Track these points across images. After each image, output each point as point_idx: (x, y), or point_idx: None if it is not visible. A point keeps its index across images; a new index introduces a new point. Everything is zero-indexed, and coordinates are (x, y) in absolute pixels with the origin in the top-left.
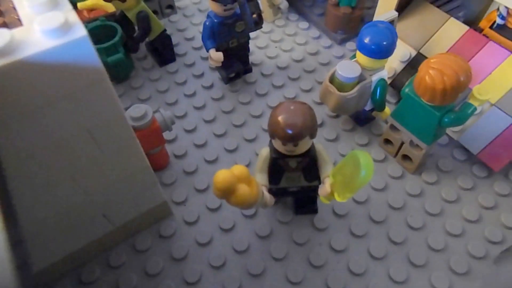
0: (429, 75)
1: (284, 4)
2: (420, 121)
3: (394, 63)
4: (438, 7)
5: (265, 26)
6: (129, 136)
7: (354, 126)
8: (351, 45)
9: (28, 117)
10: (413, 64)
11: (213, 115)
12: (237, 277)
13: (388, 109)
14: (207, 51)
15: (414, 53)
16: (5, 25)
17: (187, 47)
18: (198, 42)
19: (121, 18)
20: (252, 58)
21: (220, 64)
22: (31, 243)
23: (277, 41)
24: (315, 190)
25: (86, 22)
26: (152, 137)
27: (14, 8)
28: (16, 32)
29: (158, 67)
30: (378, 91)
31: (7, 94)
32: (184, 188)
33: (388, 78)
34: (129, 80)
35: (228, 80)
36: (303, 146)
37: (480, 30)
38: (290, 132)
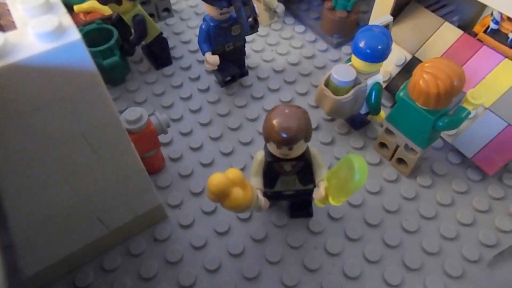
0: (423, 79)
1: (280, 8)
2: (415, 125)
3: (389, 67)
4: (432, 11)
5: (261, 30)
6: (123, 140)
7: (350, 129)
8: (346, 48)
9: (22, 120)
10: (408, 68)
11: (209, 118)
12: (232, 281)
13: (383, 113)
14: (203, 55)
15: (409, 57)
16: None
17: (184, 50)
18: (195, 45)
19: (118, 21)
20: (248, 62)
21: (216, 68)
22: (24, 246)
23: (273, 45)
24: (310, 193)
25: (83, 25)
26: (147, 140)
27: (9, 11)
28: (10, 35)
29: (154, 70)
30: (373, 94)
31: (0, 97)
32: (179, 192)
33: (384, 81)
34: (125, 83)
35: (224, 83)
36: (298, 149)
37: (474, 35)
38: (284, 135)
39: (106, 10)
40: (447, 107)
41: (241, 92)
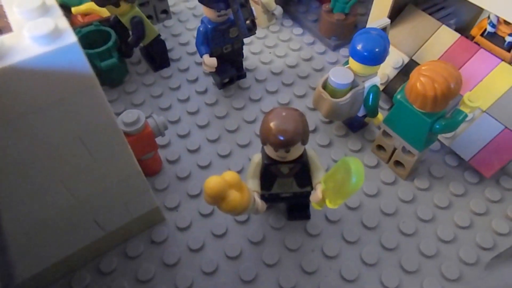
0: (420, 82)
1: (278, 10)
2: (412, 127)
3: (387, 70)
4: (430, 14)
5: (260, 32)
6: (120, 142)
7: (347, 132)
8: (344, 51)
9: (17, 123)
10: (406, 70)
11: (206, 121)
12: (229, 284)
13: (381, 115)
14: (201, 57)
15: (406, 59)
16: None
17: (182, 52)
18: (193, 47)
19: (115, 23)
20: (246, 64)
21: (214, 70)
22: (20, 249)
23: (271, 47)
24: (307, 196)
25: (80, 27)
26: (144, 143)
27: (5, 14)
28: (6, 38)
29: (152, 72)
30: (371, 97)
31: None
32: (176, 194)
33: (381, 84)
34: (123, 85)
35: (222, 85)
36: (295, 152)
37: (471, 38)
38: (281, 138)
39: (104, 12)
40: (444, 110)
41: (239, 94)
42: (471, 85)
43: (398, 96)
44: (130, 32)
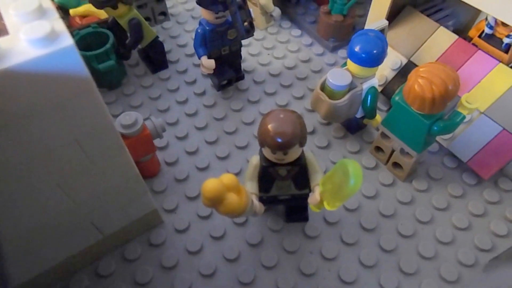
0: (418, 84)
1: (276, 12)
2: (410, 129)
3: (385, 71)
4: (428, 16)
5: (258, 33)
6: (118, 145)
7: (346, 133)
8: (343, 52)
9: (14, 127)
10: (404, 72)
11: (205, 122)
12: (227, 286)
13: (379, 117)
14: (199, 58)
15: (405, 61)
16: None
17: (180, 54)
18: (191, 49)
19: (113, 25)
20: (244, 65)
21: (212, 71)
22: (17, 252)
23: (269, 48)
24: (305, 198)
25: (78, 29)
26: (142, 145)
27: (1, 17)
28: (2, 41)
29: (150, 74)
30: (369, 99)
31: None
32: (175, 196)
33: (379, 85)
34: (121, 87)
35: (220, 87)
36: (293, 154)
37: (469, 39)
38: (279, 140)
39: (102, 14)
40: (442, 111)
41: (237, 96)
42: (469, 87)
43: (396, 98)
44: (128, 34)
